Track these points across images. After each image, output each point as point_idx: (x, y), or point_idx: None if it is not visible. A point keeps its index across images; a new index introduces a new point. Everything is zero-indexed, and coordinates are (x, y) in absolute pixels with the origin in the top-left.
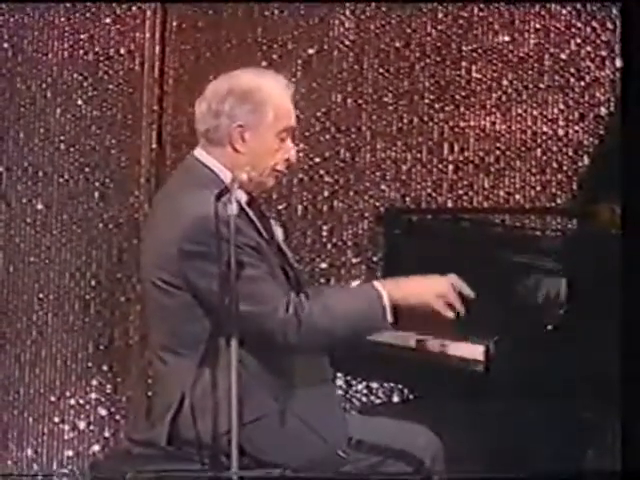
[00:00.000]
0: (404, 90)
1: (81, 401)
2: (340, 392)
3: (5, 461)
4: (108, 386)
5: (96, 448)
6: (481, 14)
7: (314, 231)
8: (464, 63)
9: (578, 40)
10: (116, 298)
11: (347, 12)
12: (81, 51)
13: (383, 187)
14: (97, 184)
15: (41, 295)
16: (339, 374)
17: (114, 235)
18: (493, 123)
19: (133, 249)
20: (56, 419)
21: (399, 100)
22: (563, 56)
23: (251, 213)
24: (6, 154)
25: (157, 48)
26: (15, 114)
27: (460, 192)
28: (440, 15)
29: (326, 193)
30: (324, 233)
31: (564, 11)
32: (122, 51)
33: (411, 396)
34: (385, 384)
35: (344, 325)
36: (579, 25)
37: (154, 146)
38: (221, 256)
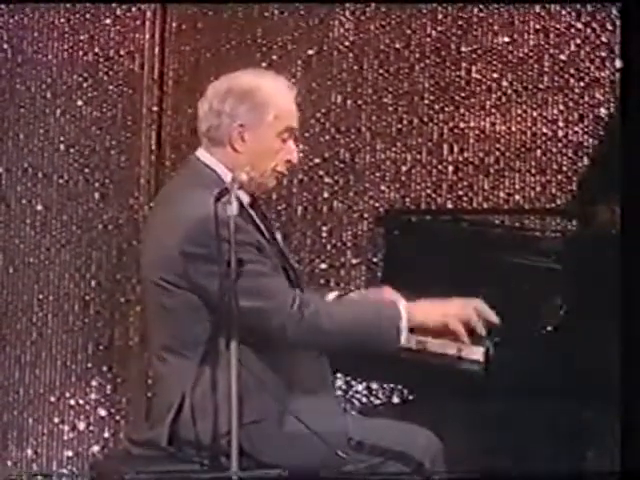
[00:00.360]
0: (404, 91)
1: (81, 402)
2: (340, 392)
3: (5, 461)
4: (108, 387)
5: (96, 449)
6: (481, 15)
7: (314, 232)
8: (464, 64)
9: (578, 41)
10: (116, 299)
11: (347, 13)
12: (81, 52)
13: (383, 188)
14: (97, 185)
15: (41, 296)
16: (339, 374)
17: (114, 236)
18: (493, 124)
19: (133, 250)
20: (56, 419)
21: (399, 101)
22: (563, 57)
23: (253, 214)
24: (6, 155)
25: (157, 49)
26: (15, 115)
27: (460, 193)
28: (440, 16)
29: (326, 194)
30: (324, 234)
31: (564, 12)
32: (122, 52)
33: (411, 396)
34: (385, 384)
35: (352, 333)
36: (579, 26)
37: (154, 147)
38: (224, 256)
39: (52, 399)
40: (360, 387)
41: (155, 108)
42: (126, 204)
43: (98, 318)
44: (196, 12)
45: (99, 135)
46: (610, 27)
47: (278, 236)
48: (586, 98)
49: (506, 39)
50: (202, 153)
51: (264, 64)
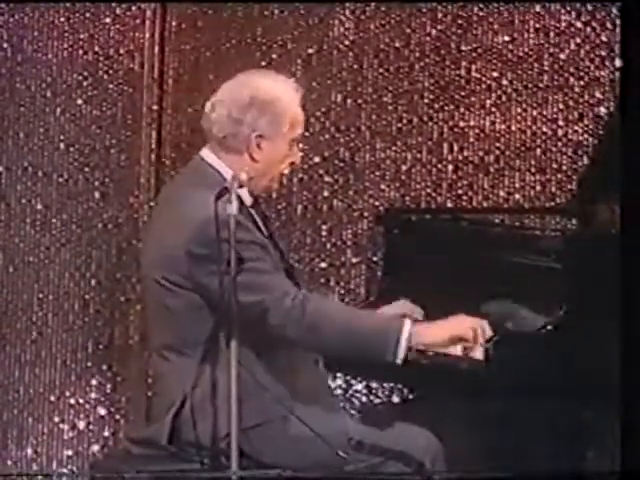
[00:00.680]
0: (404, 90)
1: (81, 401)
2: (340, 392)
3: (5, 461)
4: (108, 386)
5: (96, 448)
6: (480, 14)
7: (314, 231)
8: (464, 63)
9: (577, 40)
10: (116, 298)
11: (347, 12)
12: (81, 51)
13: (382, 187)
14: (97, 184)
15: (41, 295)
16: (339, 374)
17: (114, 235)
18: (493, 123)
19: (133, 249)
20: (56, 419)
21: (399, 100)
22: (562, 56)
23: (254, 213)
24: (6, 154)
25: (157, 48)
26: (15, 114)
27: (459, 192)
28: (439, 15)
29: (326, 193)
30: (323, 233)
31: (563, 11)
32: (122, 51)
33: (411, 396)
34: (385, 384)
35: (350, 339)
36: (578, 25)
37: (154, 146)
38: (227, 256)
39: (52, 398)
40: (360, 386)
41: (155, 107)
42: (126, 203)
43: (98, 317)
44: (196, 11)
45: (99, 134)
46: (610, 26)
47: (277, 236)
48: (586, 97)
49: (506, 38)
50: (207, 154)
51: (264, 63)
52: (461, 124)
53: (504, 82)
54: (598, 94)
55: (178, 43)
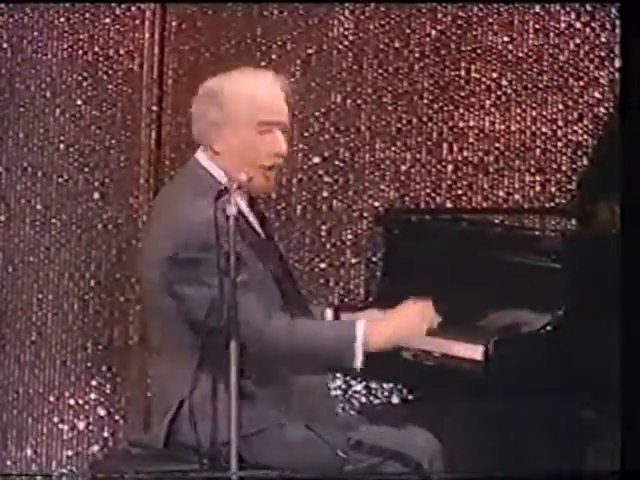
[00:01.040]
0: (403, 90)
1: (80, 401)
2: (339, 392)
3: (4, 461)
4: (107, 386)
5: (95, 448)
6: (480, 14)
7: (313, 231)
8: (463, 63)
9: (577, 40)
10: (115, 298)
11: (346, 12)
12: (80, 51)
13: (382, 187)
14: (96, 184)
15: (40, 295)
16: (338, 374)
17: (113, 235)
18: (492, 123)
19: (132, 249)
20: (55, 419)
21: (398, 100)
22: (562, 56)
23: (250, 214)
24: (5, 154)
25: (156, 48)
26: (14, 114)
27: (459, 192)
28: (439, 15)
29: (325, 193)
30: (323, 233)
31: (563, 11)
32: (121, 51)
33: (411, 396)
34: (385, 384)
35: (309, 353)
36: (578, 25)
37: (153, 146)
38: (212, 262)
39: (51, 399)
40: (359, 387)
41: (155, 107)
42: (126, 203)
43: (97, 317)
44: (195, 11)
45: (99, 134)
46: (609, 27)
47: (276, 237)
48: (585, 97)
49: (505, 38)
50: (200, 155)
51: (264, 63)
52: (461, 124)
53: (504, 82)
54: (598, 94)
55: (178, 43)
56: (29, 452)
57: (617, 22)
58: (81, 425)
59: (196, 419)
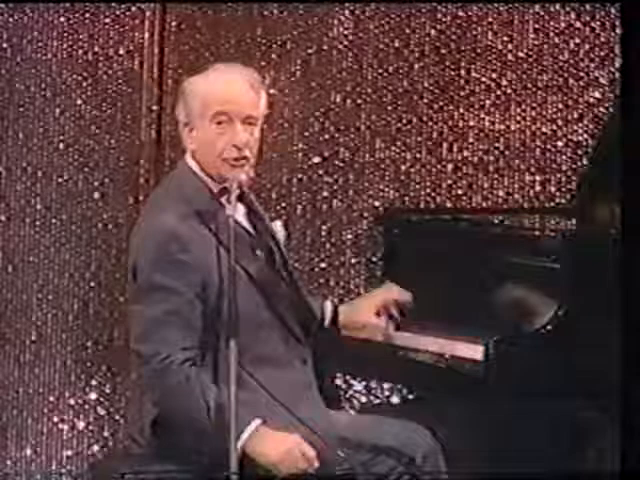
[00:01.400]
0: (403, 90)
1: (80, 401)
2: (339, 392)
3: (4, 461)
4: (107, 386)
5: (95, 448)
6: (480, 14)
7: (313, 231)
8: (463, 63)
9: (577, 40)
10: (115, 298)
11: (346, 12)
12: (80, 51)
13: (382, 187)
14: (96, 184)
15: (40, 295)
16: (339, 374)
17: (113, 235)
18: (492, 123)
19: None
20: (55, 419)
21: (398, 100)
22: (562, 56)
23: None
24: (5, 154)
25: (156, 48)
26: (14, 114)
27: (459, 192)
28: (439, 15)
29: (325, 193)
30: (323, 233)
31: (563, 11)
32: (121, 51)
33: (410, 396)
34: (385, 384)
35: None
36: (578, 25)
37: (153, 146)
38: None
39: (51, 398)
40: (359, 386)
41: (154, 107)
42: (125, 203)
43: (97, 317)
44: (195, 11)
45: (98, 134)
46: (609, 26)
47: (278, 234)
48: (585, 97)
49: (505, 38)
50: (187, 155)
51: (263, 63)
52: (461, 124)
53: (503, 82)
54: (598, 94)
55: (178, 43)
56: (29, 452)
57: (617, 22)
58: (81, 425)
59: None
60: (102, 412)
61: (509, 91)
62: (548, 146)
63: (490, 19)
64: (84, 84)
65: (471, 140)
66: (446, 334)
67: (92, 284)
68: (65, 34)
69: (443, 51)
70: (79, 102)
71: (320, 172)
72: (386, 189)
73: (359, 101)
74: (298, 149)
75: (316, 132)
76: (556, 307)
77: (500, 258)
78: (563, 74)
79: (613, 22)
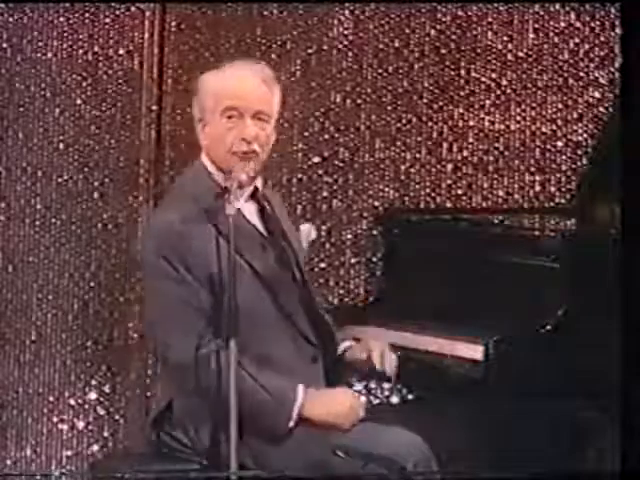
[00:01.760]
0: (403, 90)
1: (80, 401)
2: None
3: (4, 461)
4: (107, 386)
5: (95, 448)
6: (480, 14)
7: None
8: (463, 63)
9: (577, 40)
10: (115, 298)
11: (346, 12)
12: (80, 51)
13: (382, 187)
14: (96, 184)
15: (40, 295)
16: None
17: (113, 235)
18: (492, 123)
19: (132, 249)
20: (55, 419)
21: (398, 100)
22: (562, 56)
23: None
24: (5, 154)
25: (156, 48)
26: (14, 114)
27: (459, 192)
28: (439, 15)
29: (325, 193)
30: (323, 233)
31: (563, 11)
32: (121, 51)
33: (410, 396)
34: (384, 384)
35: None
36: (578, 25)
37: (153, 146)
38: (170, 271)
39: (51, 398)
40: (359, 386)
41: (154, 107)
42: (125, 203)
43: (97, 317)
44: (195, 11)
45: (98, 134)
46: (609, 26)
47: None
48: (585, 97)
49: (505, 38)
50: (202, 154)
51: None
52: (460, 124)
53: (503, 82)
54: (597, 94)
55: (177, 43)
56: (29, 452)
57: (617, 22)
58: (81, 425)
59: (193, 418)
60: (102, 412)
61: (509, 91)
62: (548, 146)
63: (490, 19)
64: (84, 84)
65: (471, 140)
66: (446, 334)
67: (92, 284)
68: (65, 34)
69: (443, 51)
70: (79, 102)
71: (320, 172)
72: (386, 189)
73: (359, 101)
74: (298, 149)
75: (316, 132)
76: (556, 307)
77: (500, 258)
78: (563, 74)
79: (613, 22)
